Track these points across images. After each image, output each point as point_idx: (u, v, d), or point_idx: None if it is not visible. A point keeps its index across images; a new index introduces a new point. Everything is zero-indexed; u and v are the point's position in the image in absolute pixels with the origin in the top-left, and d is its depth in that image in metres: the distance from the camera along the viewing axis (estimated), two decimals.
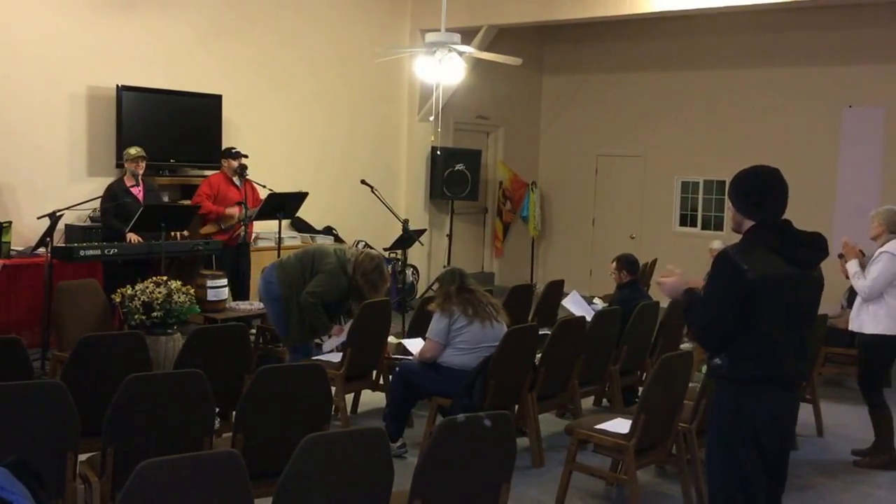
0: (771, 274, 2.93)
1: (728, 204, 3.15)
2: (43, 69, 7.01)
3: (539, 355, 5.07)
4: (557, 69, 11.77)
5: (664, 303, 6.11)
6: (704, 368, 5.37)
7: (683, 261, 5.98)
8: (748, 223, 3.04)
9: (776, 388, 3.03)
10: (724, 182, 10.31)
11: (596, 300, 6.97)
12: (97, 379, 3.90)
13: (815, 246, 3.05)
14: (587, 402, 5.87)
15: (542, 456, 4.95)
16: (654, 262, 8.66)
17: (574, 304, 6.27)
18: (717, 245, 7.97)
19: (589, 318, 5.60)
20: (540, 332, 5.25)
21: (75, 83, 7.21)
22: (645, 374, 5.81)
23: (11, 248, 6.56)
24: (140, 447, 3.34)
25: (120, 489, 2.60)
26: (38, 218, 6.13)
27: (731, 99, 10.30)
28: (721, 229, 10.27)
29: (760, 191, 3.02)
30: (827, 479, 4.95)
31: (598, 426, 4.33)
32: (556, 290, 7.07)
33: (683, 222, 10.86)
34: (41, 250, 6.25)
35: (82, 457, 3.59)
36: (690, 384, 4.55)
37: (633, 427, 4.09)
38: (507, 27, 9.72)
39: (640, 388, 5.39)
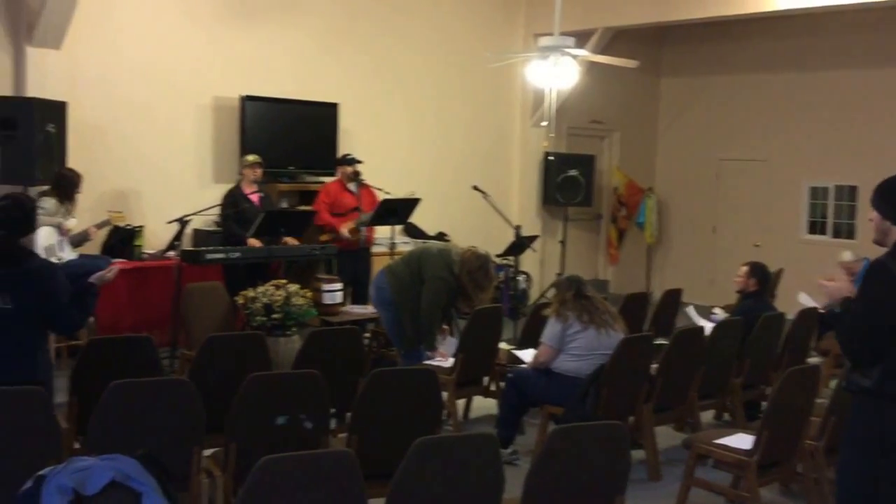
0: None
1: (872, 214, 2.98)
2: (173, 82, 7.38)
3: (655, 366, 4.94)
4: (676, 71, 11.46)
5: (791, 314, 5.84)
6: (833, 384, 5.10)
7: (812, 271, 5.70)
8: None
9: None
10: (856, 187, 9.77)
11: (716, 310, 6.73)
12: (221, 377, 4.05)
13: None
14: (707, 416, 5.67)
15: (660, 469, 4.80)
16: (780, 271, 8.27)
17: (696, 315, 6.10)
18: (848, 257, 7.51)
19: (708, 330, 5.42)
20: (656, 342, 5.12)
21: (202, 94, 7.57)
22: (769, 389, 5.56)
23: (143, 251, 6.93)
24: (261, 443, 3.44)
25: (242, 483, 2.68)
26: (168, 223, 6.45)
27: (863, 100, 9.73)
28: (853, 238, 9.72)
29: None
30: None
31: (718, 441, 4.17)
32: (674, 299, 6.87)
33: (812, 230, 10.33)
34: (170, 253, 6.58)
35: (206, 452, 3.73)
36: (818, 400, 4.32)
37: (756, 443, 3.92)
38: (623, 29, 9.54)
39: (764, 403, 5.16)
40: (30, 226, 3.75)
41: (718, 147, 11.00)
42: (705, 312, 6.23)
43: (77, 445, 3.86)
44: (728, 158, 10.96)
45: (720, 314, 6.33)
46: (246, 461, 3.25)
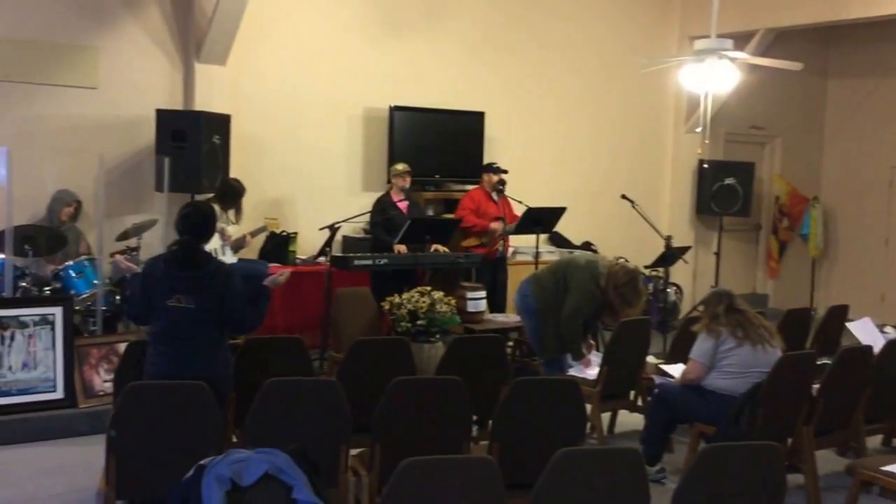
0: None
1: None
2: (327, 94, 7.66)
3: (817, 386, 4.64)
4: (844, 73, 10.76)
5: None
6: None
7: None
8: None
9: None
10: None
11: (888, 328, 6.25)
12: (367, 380, 4.14)
13: None
14: (874, 441, 5.27)
15: (819, 496, 4.49)
16: None
17: (863, 331, 5.67)
18: None
19: (879, 348, 5.04)
20: (819, 361, 4.82)
21: (354, 105, 7.82)
22: None
23: (297, 256, 7.23)
24: (404, 445, 3.49)
25: (386, 483, 2.73)
26: (320, 229, 6.70)
27: None
28: None
29: None
30: None
31: (885, 468, 3.86)
32: (839, 316, 6.43)
33: None
34: (321, 259, 6.83)
35: (353, 451, 3.84)
36: None
37: None
38: (786, 30, 9.07)
39: None
40: (209, 232, 4.01)
41: (892, 153, 10.22)
42: (878, 330, 5.80)
43: (235, 438, 4.07)
44: None
45: (892, 333, 5.89)
46: (390, 462, 3.30)
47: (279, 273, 4.18)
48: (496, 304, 7.26)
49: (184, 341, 3.77)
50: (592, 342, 5.60)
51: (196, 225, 3.86)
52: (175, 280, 3.76)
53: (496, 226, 7.17)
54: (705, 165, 9.65)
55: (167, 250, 3.96)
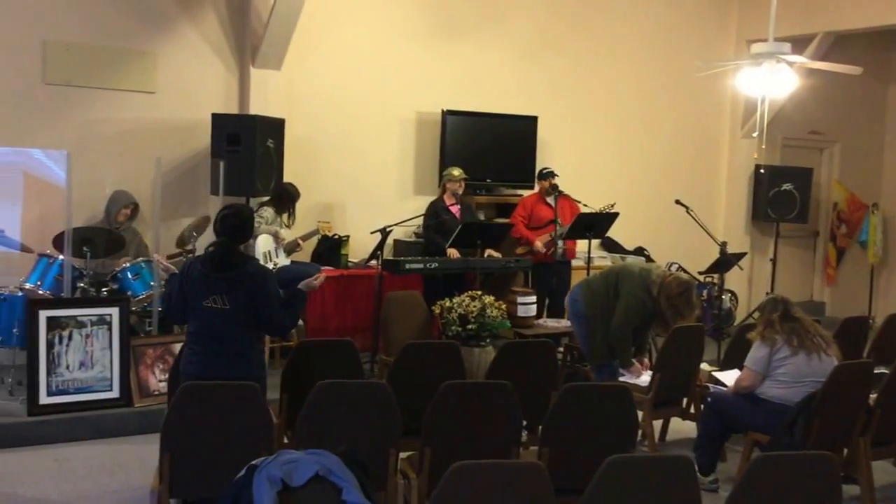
0: None
1: None
2: (380, 98, 7.71)
3: (874, 396, 4.52)
4: None
5: None
6: None
7: None
8: None
9: None
10: None
11: None
12: (417, 383, 4.15)
13: None
14: None
15: None
16: None
17: None
18: None
19: None
20: (876, 371, 4.69)
21: (406, 109, 7.85)
22: None
23: (349, 259, 7.29)
24: (453, 449, 3.49)
25: (435, 487, 2.74)
26: (371, 233, 6.75)
27: None
28: None
29: None
30: None
31: None
32: None
33: None
34: (373, 262, 6.87)
35: (403, 454, 3.85)
36: None
37: None
38: (846, 33, 8.86)
39: None
40: (247, 234, 4.03)
41: None
42: None
43: (286, 440, 4.12)
44: None
45: None
46: (440, 466, 3.30)
47: (314, 277, 4.18)
48: (554, 308, 7.22)
49: (218, 341, 3.82)
50: (647, 361, 5.52)
51: (234, 227, 3.90)
52: (211, 281, 3.81)
53: (540, 247, 7.14)
54: (762, 171, 9.48)
55: (204, 251, 4.01)
